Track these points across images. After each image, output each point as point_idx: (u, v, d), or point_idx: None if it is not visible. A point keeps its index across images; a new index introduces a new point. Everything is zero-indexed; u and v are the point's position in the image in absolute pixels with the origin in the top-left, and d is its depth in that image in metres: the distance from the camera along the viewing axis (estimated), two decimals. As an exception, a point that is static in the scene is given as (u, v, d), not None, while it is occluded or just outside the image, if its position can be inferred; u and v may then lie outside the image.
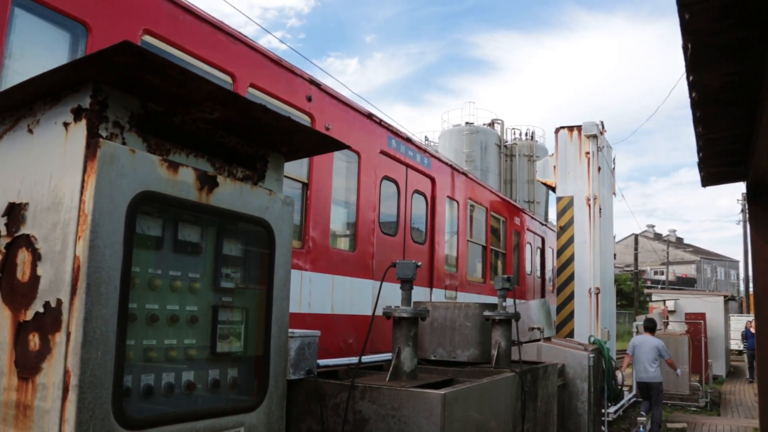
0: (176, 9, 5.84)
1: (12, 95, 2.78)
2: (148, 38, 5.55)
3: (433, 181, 10.78)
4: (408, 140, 10.08)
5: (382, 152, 9.20)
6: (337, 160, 8.16)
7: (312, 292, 7.50)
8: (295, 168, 7.33)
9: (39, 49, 4.85)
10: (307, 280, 7.37)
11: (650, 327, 13.06)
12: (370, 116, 8.96)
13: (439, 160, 11.28)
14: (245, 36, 6.68)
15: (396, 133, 9.68)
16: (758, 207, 6.08)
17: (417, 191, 10.28)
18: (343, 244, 8.61)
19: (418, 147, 10.48)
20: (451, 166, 11.80)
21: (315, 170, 7.62)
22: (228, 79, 6.39)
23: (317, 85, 7.76)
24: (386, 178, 9.34)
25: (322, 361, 4.74)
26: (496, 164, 38.10)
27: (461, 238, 11.96)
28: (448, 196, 11.35)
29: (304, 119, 7.47)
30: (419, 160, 10.27)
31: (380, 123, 9.24)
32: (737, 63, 3.77)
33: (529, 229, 16.85)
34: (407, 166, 9.91)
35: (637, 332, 18.07)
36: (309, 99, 7.57)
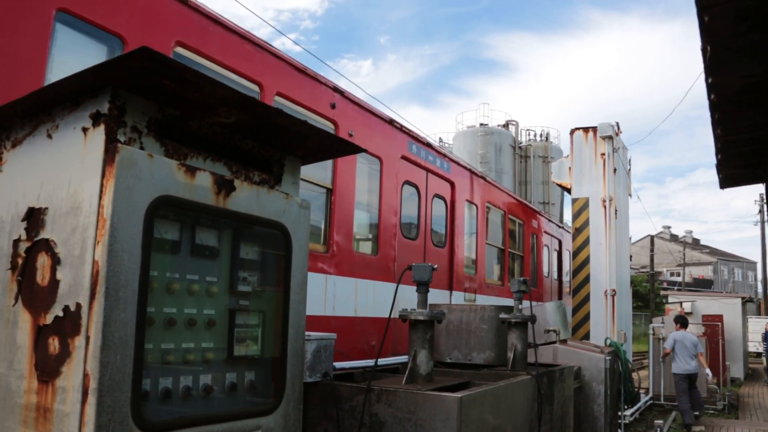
0: (206, 20, 5.99)
1: (31, 100, 2.81)
2: (180, 50, 5.74)
3: (452, 185, 10.91)
4: (428, 145, 10.24)
5: (403, 157, 9.34)
6: (360, 166, 8.31)
7: (336, 295, 7.63)
8: (320, 174, 7.49)
9: (79, 63, 4.94)
10: (332, 284, 7.52)
11: (685, 323, 13.87)
12: (391, 122, 9.11)
13: (458, 164, 11.41)
14: (271, 45, 6.83)
15: (416, 139, 9.82)
16: (777, 209, 6.02)
17: (437, 195, 10.40)
18: (366, 248, 8.73)
19: (438, 152, 10.61)
20: (469, 170, 11.93)
21: (339, 176, 7.77)
22: (255, 88, 6.54)
23: (341, 92, 7.91)
24: (407, 182, 9.51)
25: (338, 364, 4.74)
26: (510, 165, 38.00)
27: (480, 241, 12.09)
28: (467, 200, 11.48)
29: (329, 126, 7.63)
30: (439, 164, 10.41)
31: (401, 129, 9.38)
32: (757, 65, 3.73)
33: (546, 232, 16.97)
34: (427, 170, 10.06)
35: (654, 334, 18.00)
36: (333, 106, 7.72)
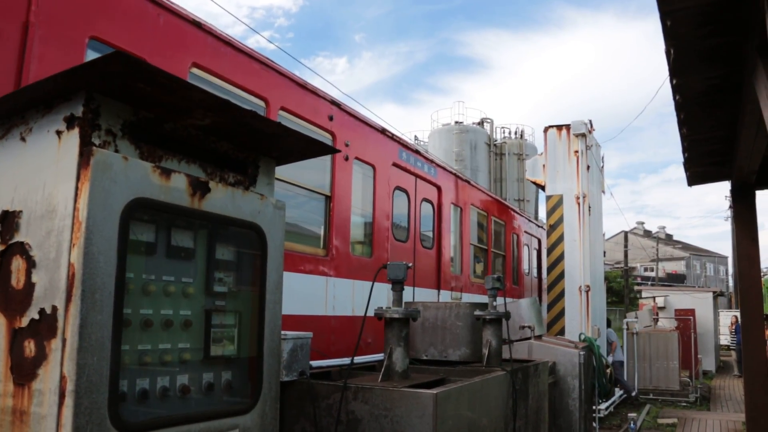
0: (217, 42, 6.37)
1: (4, 104, 2.81)
2: (195, 70, 6.08)
3: (439, 189, 11.38)
4: (416, 152, 10.80)
5: (394, 164, 9.82)
6: (356, 173, 8.74)
7: (336, 296, 8.07)
8: (319, 182, 8.02)
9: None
10: (332, 286, 7.99)
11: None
12: (383, 131, 9.59)
13: (444, 169, 11.93)
14: (275, 63, 7.22)
15: (406, 146, 10.39)
16: (742, 206, 6.17)
17: (425, 199, 10.90)
18: (362, 251, 9.10)
19: (426, 158, 11.14)
20: (454, 174, 12.48)
21: (337, 183, 8.22)
22: (261, 103, 6.92)
23: (338, 105, 8.35)
24: (398, 188, 10.01)
25: (314, 363, 4.77)
26: (486, 163, 38.16)
27: (465, 241, 12.57)
28: (452, 203, 11.96)
29: (326, 137, 8.05)
30: (426, 170, 10.92)
31: (392, 137, 9.89)
32: (719, 67, 3.84)
33: (526, 232, 17.50)
34: (416, 176, 10.57)
35: (628, 329, 18.28)
36: (330, 118, 8.14)
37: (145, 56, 5.37)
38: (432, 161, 11.34)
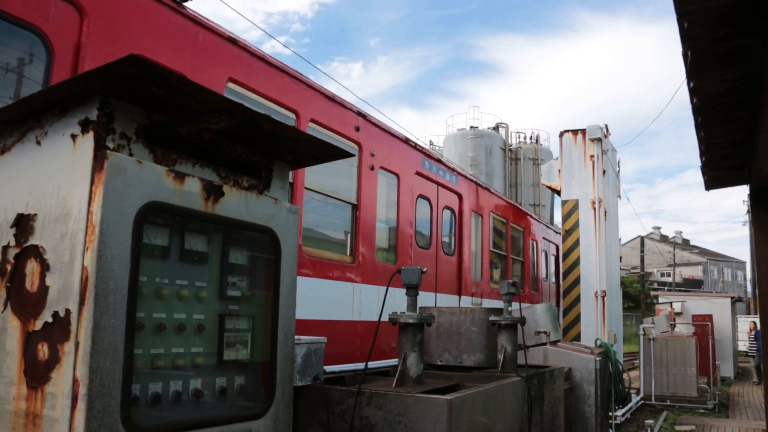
0: (252, 58, 6.66)
1: (20, 107, 2.82)
2: (231, 85, 6.36)
3: (459, 196, 11.68)
4: (438, 161, 11.10)
5: (417, 173, 10.14)
6: (381, 182, 9.03)
7: (362, 302, 8.29)
8: (347, 191, 8.38)
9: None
10: (358, 292, 8.28)
11: None
12: (406, 141, 9.95)
13: (465, 177, 12.23)
14: (305, 76, 7.51)
15: (428, 155, 10.71)
16: (761, 210, 6.09)
17: (446, 207, 11.22)
18: (386, 257, 9.35)
19: (447, 166, 11.44)
20: (475, 181, 12.77)
21: (363, 192, 8.55)
22: (293, 116, 7.23)
23: (363, 116, 8.66)
24: (421, 196, 10.28)
25: (328, 368, 4.76)
26: (501, 168, 38.09)
27: (485, 248, 12.86)
28: (473, 210, 12.27)
29: (353, 147, 8.40)
30: (448, 178, 11.24)
31: (415, 146, 10.26)
32: (736, 69, 3.79)
33: (544, 238, 17.87)
34: (438, 184, 10.93)
35: (644, 334, 18.12)
36: (357, 129, 8.48)
37: (185, 72, 5.55)
38: (453, 169, 11.61)
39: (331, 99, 7.98)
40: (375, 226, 8.79)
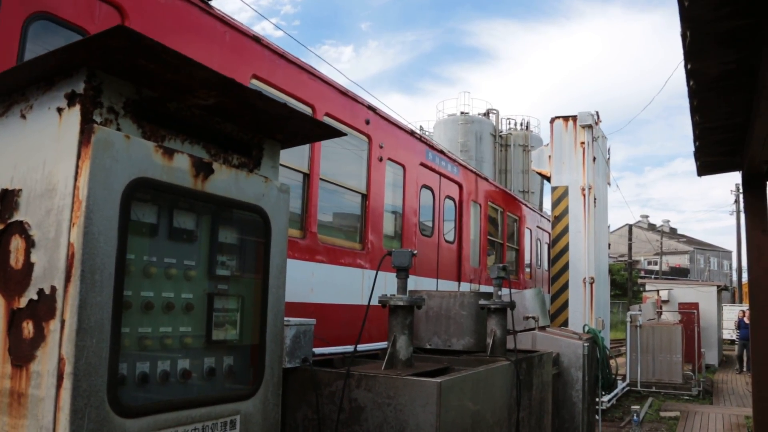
0: (273, 55, 7.00)
1: (4, 80, 2.75)
2: (255, 81, 6.64)
3: (460, 186, 12.06)
4: (441, 152, 11.54)
5: (422, 164, 10.50)
6: (388, 173, 9.46)
7: (371, 286, 8.43)
8: (357, 181, 8.79)
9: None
10: (367, 277, 8.63)
11: None
12: (412, 133, 10.35)
13: (465, 167, 12.61)
14: (320, 72, 7.86)
15: (432, 147, 11.15)
16: (753, 196, 6.09)
17: (448, 196, 11.62)
18: (393, 245, 9.79)
19: (449, 157, 11.85)
20: (474, 172, 13.18)
21: (372, 183, 8.92)
22: (309, 110, 7.51)
23: (373, 109, 9.01)
24: (424, 186, 10.71)
25: (317, 350, 4.73)
26: (491, 154, 38.09)
27: (483, 236, 13.24)
28: (472, 200, 12.66)
29: (364, 140, 8.81)
30: (449, 169, 11.64)
31: (420, 138, 10.70)
32: (735, 51, 3.75)
33: (538, 226, 18.38)
34: (440, 174, 11.26)
35: (631, 322, 18.25)
36: (367, 122, 8.83)
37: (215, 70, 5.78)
38: (454, 160, 12.00)
39: (344, 93, 8.32)
40: (383, 215, 9.19)
